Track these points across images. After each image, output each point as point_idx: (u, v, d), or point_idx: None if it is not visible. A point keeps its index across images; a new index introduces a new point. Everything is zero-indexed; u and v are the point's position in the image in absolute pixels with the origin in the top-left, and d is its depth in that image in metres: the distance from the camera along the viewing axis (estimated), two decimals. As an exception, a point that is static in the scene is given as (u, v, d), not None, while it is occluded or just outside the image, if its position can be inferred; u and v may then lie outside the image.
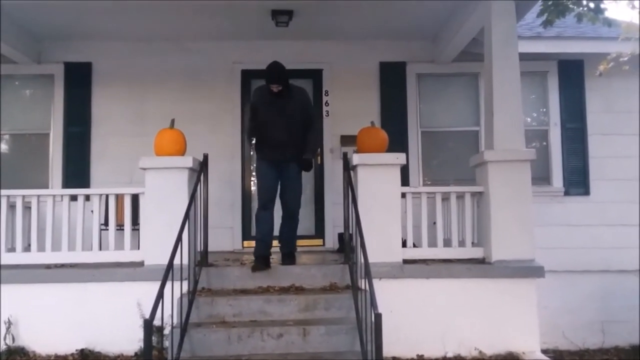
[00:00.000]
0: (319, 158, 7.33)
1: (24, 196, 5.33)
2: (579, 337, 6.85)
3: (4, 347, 4.85)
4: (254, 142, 5.64)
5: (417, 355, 4.88)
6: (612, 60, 6.33)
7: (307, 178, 7.31)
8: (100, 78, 7.35)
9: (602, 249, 7.08)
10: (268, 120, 5.17)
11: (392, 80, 7.39)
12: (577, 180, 7.34)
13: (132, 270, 5.04)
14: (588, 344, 6.86)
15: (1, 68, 6.90)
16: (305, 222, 7.19)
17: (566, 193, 7.32)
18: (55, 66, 7.33)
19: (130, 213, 5.28)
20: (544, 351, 5.28)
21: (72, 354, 4.83)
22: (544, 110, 7.56)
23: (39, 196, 5.37)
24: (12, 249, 5.39)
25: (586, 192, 7.33)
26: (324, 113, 7.38)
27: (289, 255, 5.38)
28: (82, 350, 4.83)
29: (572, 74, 7.44)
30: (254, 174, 7.54)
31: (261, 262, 5.11)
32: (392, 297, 4.78)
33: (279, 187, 5.28)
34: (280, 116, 5.15)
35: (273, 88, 5.07)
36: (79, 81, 7.30)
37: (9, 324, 4.90)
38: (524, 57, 5.79)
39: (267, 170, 5.25)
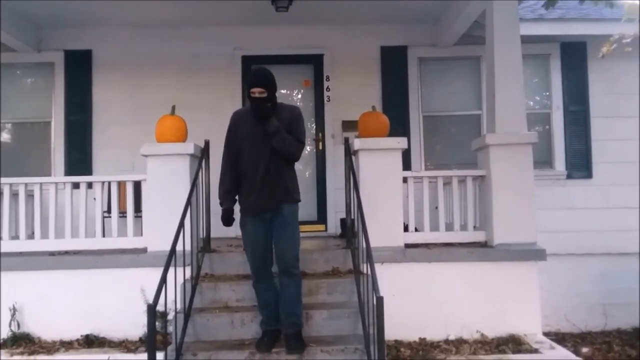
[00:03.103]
0: (320, 144, 7.32)
1: (26, 184, 5.34)
2: (581, 320, 6.88)
3: (9, 333, 4.90)
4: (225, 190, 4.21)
5: (420, 338, 4.92)
6: (615, 42, 6.28)
7: (309, 164, 7.35)
8: (100, 65, 7.33)
9: (604, 232, 7.07)
10: (245, 148, 4.10)
11: (394, 65, 7.36)
12: (580, 164, 7.32)
13: (136, 256, 5.07)
14: (590, 327, 6.88)
15: (1, 56, 6.89)
16: (307, 207, 7.21)
17: (568, 176, 7.30)
18: (55, 54, 7.31)
19: (132, 200, 5.30)
20: (546, 334, 5.31)
21: (77, 340, 4.88)
22: (547, 93, 7.52)
23: (41, 184, 5.39)
24: (15, 237, 5.41)
25: (589, 175, 7.31)
26: (325, 99, 7.36)
27: (296, 338, 4.14)
28: (87, 336, 4.88)
29: (574, 56, 7.39)
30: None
31: (270, 337, 4.19)
32: (394, 281, 4.82)
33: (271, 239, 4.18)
34: (262, 141, 4.05)
35: (255, 93, 4.00)
36: (79, 69, 7.29)
37: (14, 310, 4.94)
38: (526, 39, 5.75)
39: (253, 228, 4.14)
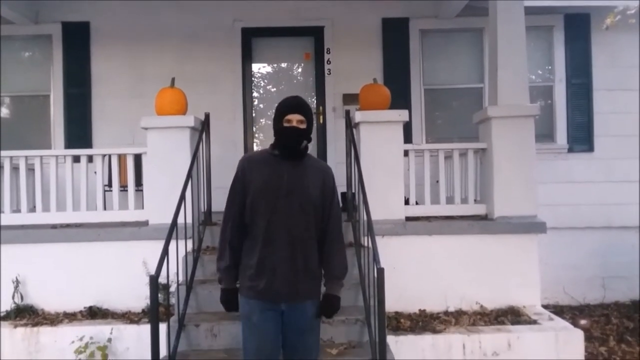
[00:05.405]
0: (320, 117, 7.26)
1: (26, 157, 5.33)
2: (580, 293, 6.94)
3: (12, 305, 4.95)
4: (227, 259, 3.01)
5: (420, 310, 4.97)
6: (619, 13, 6.20)
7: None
8: (98, 38, 7.24)
9: (604, 205, 7.08)
10: (261, 207, 2.92)
11: (395, 37, 7.27)
12: (582, 137, 7.28)
13: (137, 229, 5.09)
14: (588, 299, 6.95)
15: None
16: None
17: (570, 150, 7.27)
18: (53, 26, 7.21)
19: (133, 173, 5.30)
20: (545, 306, 5.37)
21: (81, 311, 4.94)
22: (549, 67, 7.44)
23: (41, 157, 5.38)
24: (17, 210, 5.43)
25: (590, 148, 7.28)
26: (326, 72, 7.29)
27: None
28: (90, 307, 4.94)
29: (578, 28, 7.29)
30: (256, 135, 7.55)
31: None
32: (394, 253, 4.84)
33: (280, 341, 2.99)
34: (288, 196, 2.92)
35: (292, 121, 2.92)
36: (77, 41, 7.20)
37: (17, 283, 4.99)
38: (530, 10, 5.67)
39: (261, 320, 2.91)
